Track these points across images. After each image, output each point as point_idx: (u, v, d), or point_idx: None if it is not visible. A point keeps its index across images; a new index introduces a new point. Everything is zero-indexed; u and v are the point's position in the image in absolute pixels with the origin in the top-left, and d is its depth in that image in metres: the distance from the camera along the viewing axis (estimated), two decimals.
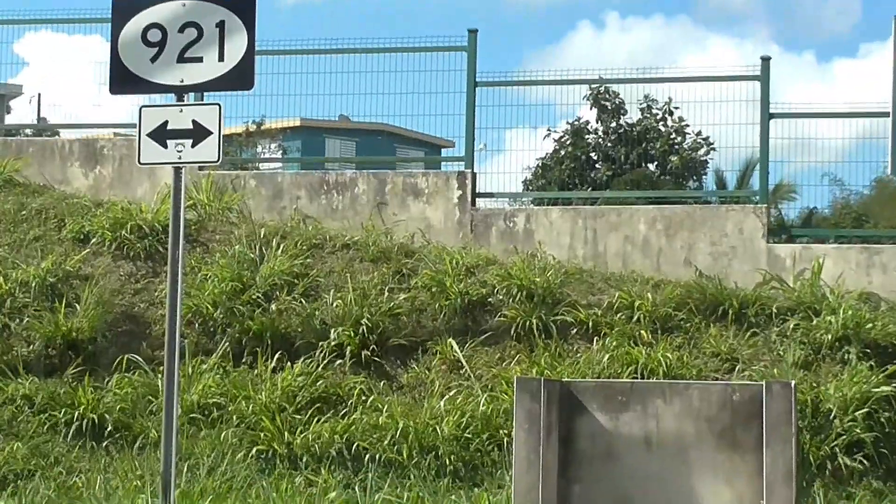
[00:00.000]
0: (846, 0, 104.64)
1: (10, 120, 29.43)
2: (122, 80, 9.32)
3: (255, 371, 13.04)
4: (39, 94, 24.62)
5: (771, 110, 14.84)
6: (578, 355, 12.97)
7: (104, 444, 12.46)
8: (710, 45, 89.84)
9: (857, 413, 11.87)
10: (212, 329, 13.55)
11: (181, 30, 9.15)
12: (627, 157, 31.16)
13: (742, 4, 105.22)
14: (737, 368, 12.63)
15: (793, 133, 15.14)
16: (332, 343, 13.17)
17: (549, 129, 28.45)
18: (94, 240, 14.70)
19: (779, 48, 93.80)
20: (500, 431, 12.03)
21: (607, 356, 12.75)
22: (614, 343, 12.92)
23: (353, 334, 13.18)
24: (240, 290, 13.78)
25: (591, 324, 13.24)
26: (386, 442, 12.05)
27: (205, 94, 10.99)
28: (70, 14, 17.23)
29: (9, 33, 17.60)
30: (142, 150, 9.19)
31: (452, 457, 11.96)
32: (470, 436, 12.08)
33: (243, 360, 13.26)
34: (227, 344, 13.35)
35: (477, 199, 15.43)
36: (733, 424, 9.66)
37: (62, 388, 12.90)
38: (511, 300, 13.50)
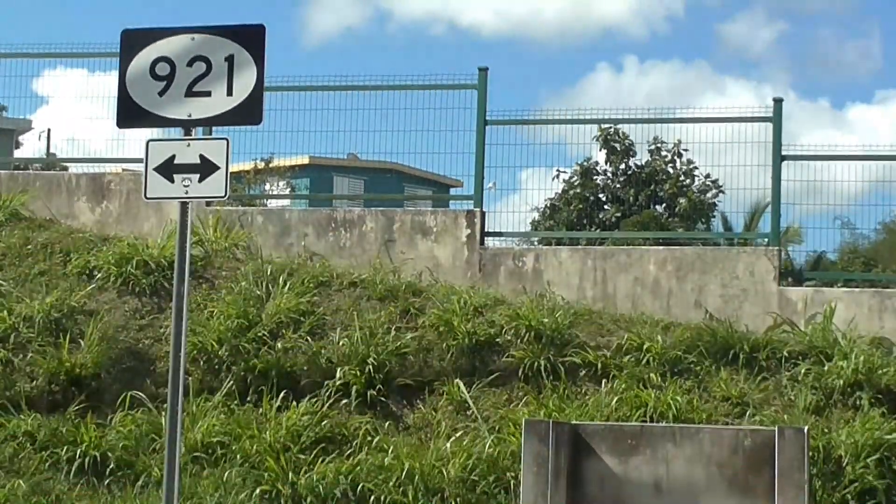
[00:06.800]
0: (867, 46, 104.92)
1: (19, 155, 29.47)
2: (130, 113, 9.27)
3: (260, 409, 12.91)
4: (49, 129, 24.62)
5: (783, 152, 14.74)
6: (587, 397, 12.83)
7: (106, 482, 12.32)
8: (727, 90, 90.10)
9: (869, 460, 11.70)
10: (216, 366, 13.43)
11: (190, 63, 9.11)
12: (636, 198, 31.15)
13: (761, 50, 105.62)
14: (747, 413, 12.47)
15: (803, 176, 15.06)
16: (338, 382, 13.05)
17: (557, 170, 28.47)
18: (99, 275, 14.60)
19: (795, 94, 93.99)
20: (508, 474, 11.89)
21: (616, 399, 12.61)
22: (623, 385, 12.78)
23: (359, 373, 13.05)
24: (245, 327, 13.67)
25: (599, 366, 13.11)
26: (391, 483, 11.90)
27: (213, 128, 10.94)
28: (85, 48, 17.19)
29: (23, 67, 17.56)
30: (148, 185, 9.13)
31: (458, 499, 11.81)
32: (476, 478, 11.93)
33: (248, 398, 13.13)
34: (232, 382, 13.23)
35: (486, 239, 15.33)
36: (745, 470, 9.54)
37: (65, 425, 12.76)
38: (519, 341, 13.37)
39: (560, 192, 30.97)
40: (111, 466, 12.38)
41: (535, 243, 18.80)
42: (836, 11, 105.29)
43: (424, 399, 13.11)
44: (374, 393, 12.99)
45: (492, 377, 13.16)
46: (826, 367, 12.81)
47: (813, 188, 15.12)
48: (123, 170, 17.09)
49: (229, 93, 9.06)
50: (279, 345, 13.53)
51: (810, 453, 10.37)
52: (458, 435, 12.51)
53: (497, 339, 13.47)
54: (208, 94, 9.09)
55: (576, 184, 31.40)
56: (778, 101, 14.91)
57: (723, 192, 29.59)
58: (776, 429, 9.65)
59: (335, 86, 16.17)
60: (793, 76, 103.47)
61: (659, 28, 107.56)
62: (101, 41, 17.26)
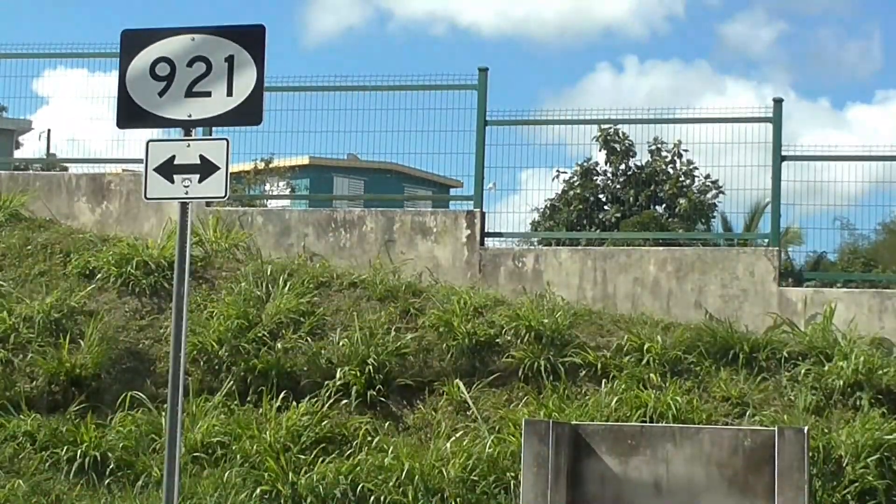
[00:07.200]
0: (867, 46, 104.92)
1: (19, 155, 29.47)
2: (130, 114, 9.27)
3: (260, 410, 12.91)
4: (49, 130, 24.62)
5: (783, 153, 14.74)
6: (587, 398, 12.83)
7: (106, 482, 12.32)
8: (727, 90, 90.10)
9: (869, 460, 11.70)
10: (216, 367, 13.43)
11: (190, 64, 9.11)
12: (636, 198, 31.13)
13: (761, 50, 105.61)
14: (747, 413, 12.47)
15: (803, 176, 15.06)
16: (338, 382, 13.04)
17: (557, 170, 28.48)
18: (99, 275, 14.60)
19: (795, 95, 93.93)
20: (507, 474, 11.88)
21: (616, 399, 12.61)
22: (623, 386, 12.78)
23: (359, 374, 13.05)
24: (245, 327, 13.67)
25: (599, 366, 13.11)
26: (391, 483, 11.90)
27: (213, 128, 10.94)
28: (85, 48, 17.18)
29: (23, 68, 17.55)
30: (148, 185, 9.13)
31: (458, 499, 11.81)
32: (476, 478, 11.93)
33: (248, 398, 13.14)
34: (232, 382, 13.23)
35: (486, 239, 15.33)
36: (745, 470, 9.54)
37: (65, 425, 12.76)
38: (519, 341, 13.37)
39: (560, 192, 30.93)
40: (111, 466, 12.38)
41: (535, 244, 18.79)
42: (836, 11, 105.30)
43: (424, 399, 13.11)
44: (374, 393, 12.99)
45: (492, 377, 13.16)
46: (826, 368, 12.82)
47: (813, 188, 15.12)
48: (123, 170, 17.09)
49: (229, 93, 9.06)
50: (279, 345, 13.53)
51: (810, 453, 10.36)
52: (458, 435, 12.51)
53: (497, 340, 13.47)
54: (208, 94, 9.09)
55: (576, 184, 31.36)
56: (778, 102, 14.91)
57: (723, 193, 29.59)
58: (776, 429, 9.65)
59: (335, 86, 16.17)
60: (793, 76, 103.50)
61: (659, 28, 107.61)
62: (101, 41, 17.27)
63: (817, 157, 14.94)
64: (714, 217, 31.28)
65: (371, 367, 13.07)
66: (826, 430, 12.07)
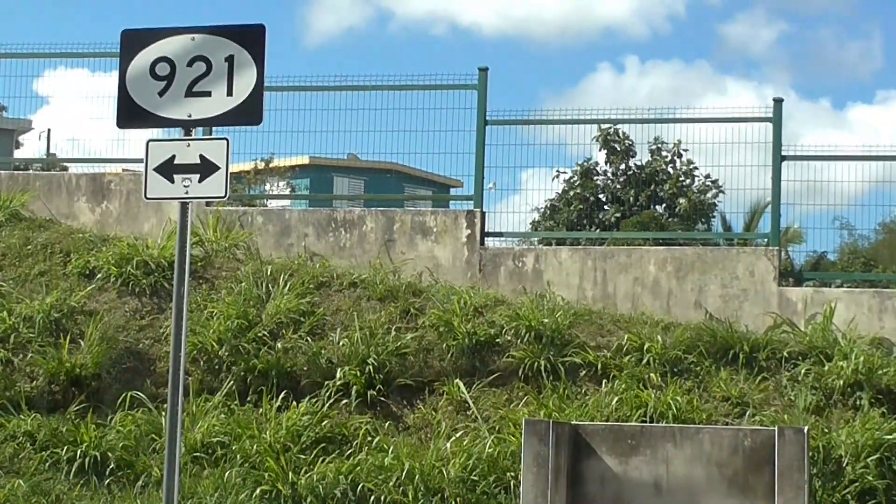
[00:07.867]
0: (867, 46, 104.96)
1: (19, 155, 29.47)
2: (130, 113, 9.30)
3: (260, 410, 12.91)
4: (49, 129, 24.63)
5: (783, 152, 14.74)
6: (587, 397, 12.82)
7: (106, 482, 12.31)
8: (728, 90, 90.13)
9: (869, 460, 11.70)
10: (216, 367, 13.43)
11: (190, 64, 9.13)
12: (636, 198, 31.14)
13: (761, 50, 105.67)
14: (747, 413, 12.47)
15: (803, 176, 15.06)
16: (338, 382, 13.04)
17: (557, 170, 28.50)
18: (99, 275, 14.60)
19: (796, 95, 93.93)
20: (508, 474, 11.88)
21: (616, 399, 12.60)
22: (623, 386, 12.77)
23: (359, 374, 13.05)
24: (245, 327, 13.67)
25: (599, 366, 13.11)
26: (391, 483, 11.90)
27: (213, 128, 10.95)
28: (86, 48, 17.18)
29: (23, 67, 17.55)
30: (148, 185, 9.15)
31: (458, 499, 11.81)
32: (476, 478, 11.92)
33: (248, 398, 13.13)
34: (232, 382, 13.22)
35: (486, 239, 15.33)
36: (745, 470, 9.55)
37: (65, 425, 12.76)
38: (519, 341, 13.36)
39: (560, 192, 30.96)
40: (111, 466, 12.37)
41: (535, 244, 18.79)
42: (837, 11, 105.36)
43: (424, 399, 13.10)
44: (374, 393, 12.98)
45: (492, 377, 13.15)
46: (826, 367, 12.81)
47: (813, 188, 15.13)
48: (123, 170, 17.09)
49: (229, 93, 9.08)
50: (279, 345, 13.52)
51: (810, 453, 10.37)
52: (458, 435, 12.50)
53: (497, 339, 13.46)
54: (208, 94, 9.11)
55: (576, 184, 31.38)
56: (778, 102, 14.91)
57: (723, 193, 29.61)
58: (776, 429, 9.65)
59: (335, 86, 16.17)
60: (793, 76, 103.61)
61: (660, 28, 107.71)
62: (101, 41, 17.26)
63: (817, 156, 14.95)
64: (714, 217, 31.30)
65: (371, 366, 13.06)
66: (826, 430, 12.06)
